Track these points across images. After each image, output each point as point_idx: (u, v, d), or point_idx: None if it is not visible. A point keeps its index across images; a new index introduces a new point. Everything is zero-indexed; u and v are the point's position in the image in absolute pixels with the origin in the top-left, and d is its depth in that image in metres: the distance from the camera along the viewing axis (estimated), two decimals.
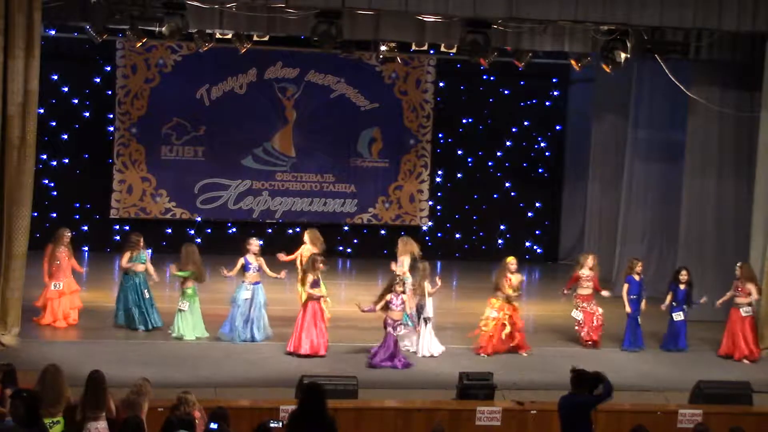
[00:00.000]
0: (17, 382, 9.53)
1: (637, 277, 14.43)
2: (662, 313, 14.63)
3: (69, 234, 14.50)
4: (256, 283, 13.97)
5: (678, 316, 14.42)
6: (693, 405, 11.61)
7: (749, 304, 14.15)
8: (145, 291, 14.27)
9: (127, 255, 14.33)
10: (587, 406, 9.13)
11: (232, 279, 14.57)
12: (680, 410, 11.32)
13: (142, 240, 14.48)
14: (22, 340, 12.94)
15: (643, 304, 14.38)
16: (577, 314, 14.39)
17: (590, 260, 14.48)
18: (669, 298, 14.46)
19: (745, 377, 12.39)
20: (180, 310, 13.95)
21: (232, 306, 14.01)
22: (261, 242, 14.54)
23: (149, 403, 9.38)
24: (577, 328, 14.45)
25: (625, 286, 14.41)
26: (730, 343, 14.22)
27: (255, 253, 13.97)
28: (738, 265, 14.39)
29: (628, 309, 14.25)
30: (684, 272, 14.48)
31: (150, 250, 15.11)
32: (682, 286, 14.40)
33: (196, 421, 8.92)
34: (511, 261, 14.10)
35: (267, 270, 14.06)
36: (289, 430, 8.63)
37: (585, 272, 14.43)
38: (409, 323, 13.68)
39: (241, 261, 13.98)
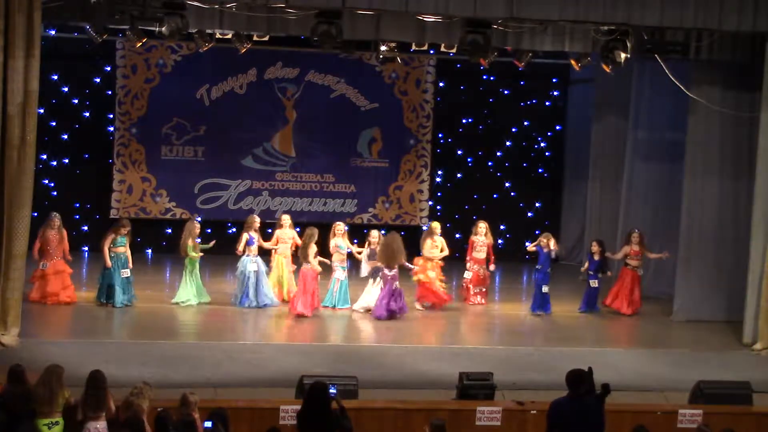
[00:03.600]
0: (24, 383, 9.49)
1: (545, 250, 16.19)
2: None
3: (57, 217, 15.28)
4: (258, 255, 15.64)
5: (593, 283, 16.44)
6: (693, 405, 11.62)
7: (641, 266, 16.56)
8: (125, 271, 15.09)
9: (110, 238, 15.16)
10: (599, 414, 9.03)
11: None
12: (680, 410, 11.32)
13: (126, 225, 15.35)
14: (22, 340, 12.93)
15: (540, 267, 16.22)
16: (467, 274, 16.48)
17: (481, 228, 16.44)
18: (586, 265, 16.58)
19: (745, 377, 12.39)
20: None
21: (240, 278, 15.50)
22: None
23: (150, 404, 9.38)
24: (463, 284, 16.60)
25: (530, 245, 16.48)
26: (615, 296, 16.49)
27: (256, 229, 15.65)
28: (637, 232, 16.50)
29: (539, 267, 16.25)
30: (594, 244, 16.65)
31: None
32: (595, 257, 16.42)
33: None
34: (436, 226, 16.35)
35: (263, 243, 15.86)
36: (298, 428, 8.68)
37: (479, 239, 16.42)
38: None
39: (245, 237, 15.57)
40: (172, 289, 16.03)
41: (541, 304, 16.20)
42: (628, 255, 16.55)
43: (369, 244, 15.98)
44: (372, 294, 15.61)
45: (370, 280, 15.78)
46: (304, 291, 15.03)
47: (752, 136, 15.34)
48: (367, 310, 15.54)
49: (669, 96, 17.01)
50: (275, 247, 16.02)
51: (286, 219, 16.19)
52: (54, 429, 9.17)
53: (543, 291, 16.20)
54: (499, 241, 21.42)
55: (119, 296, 15.07)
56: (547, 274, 16.20)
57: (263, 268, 15.67)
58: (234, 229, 19.90)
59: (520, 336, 15.13)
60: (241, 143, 20.32)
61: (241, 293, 15.56)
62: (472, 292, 16.50)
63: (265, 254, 16.05)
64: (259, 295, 15.55)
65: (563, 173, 21.76)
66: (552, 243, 16.24)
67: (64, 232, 15.31)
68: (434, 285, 16.02)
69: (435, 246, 16.09)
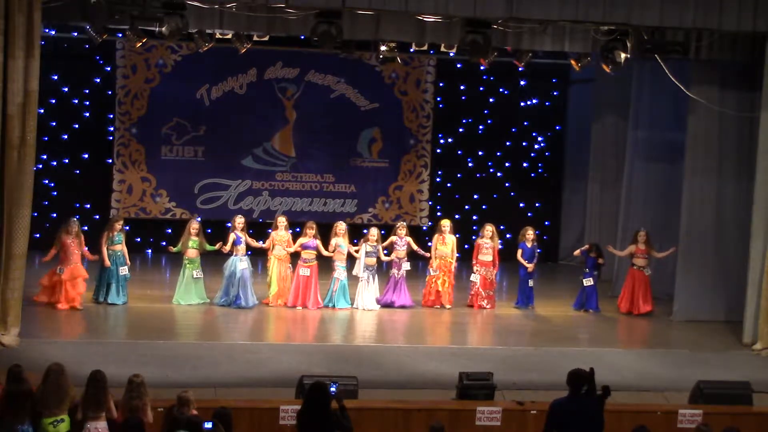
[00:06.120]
0: (24, 383, 9.49)
1: (529, 244, 16.58)
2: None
3: (76, 224, 15.25)
4: (246, 254, 15.77)
5: (588, 282, 16.54)
6: (693, 405, 11.62)
7: (649, 266, 16.55)
8: (122, 268, 15.27)
9: (106, 236, 15.37)
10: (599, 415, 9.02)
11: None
12: (680, 410, 11.33)
13: (120, 223, 15.66)
14: (22, 340, 12.93)
15: (530, 267, 16.44)
16: (474, 277, 16.34)
17: (488, 231, 16.38)
18: (578, 252, 17.03)
19: (745, 377, 12.39)
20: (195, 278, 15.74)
21: (230, 277, 15.57)
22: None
23: (150, 403, 9.39)
24: (472, 292, 16.39)
25: (519, 251, 16.54)
26: (629, 299, 16.51)
27: (242, 229, 15.77)
28: (643, 231, 16.48)
29: (528, 265, 16.42)
30: (589, 246, 16.85)
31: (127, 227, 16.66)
32: (592, 255, 16.63)
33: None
34: (445, 223, 16.43)
35: (252, 242, 16.08)
36: (298, 428, 8.70)
37: (485, 242, 16.37)
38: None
39: (233, 236, 15.66)
40: (171, 290, 16.02)
41: (525, 298, 16.52)
42: (633, 254, 16.55)
43: (366, 241, 16.00)
44: (372, 290, 16.02)
45: (369, 278, 15.89)
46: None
47: (752, 136, 15.35)
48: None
49: (669, 96, 17.01)
50: (266, 247, 16.02)
51: (281, 221, 16.13)
52: (60, 426, 9.18)
53: (530, 285, 16.49)
54: (499, 241, 21.41)
55: (116, 294, 15.15)
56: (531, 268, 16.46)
57: (251, 267, 15.79)
58: None
59: (520, 336, 15.12)
60: (241, 143, 20.32)
61: (233, 293, 15.56)
62: (480, 296, 16.35)
63: (261, 254, 16.10)
64: (249, 294, 15.61)
65: (563, 173, 21.76)
66: (529, 235, 16.62)
67: (82, 237, 15.25)
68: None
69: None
